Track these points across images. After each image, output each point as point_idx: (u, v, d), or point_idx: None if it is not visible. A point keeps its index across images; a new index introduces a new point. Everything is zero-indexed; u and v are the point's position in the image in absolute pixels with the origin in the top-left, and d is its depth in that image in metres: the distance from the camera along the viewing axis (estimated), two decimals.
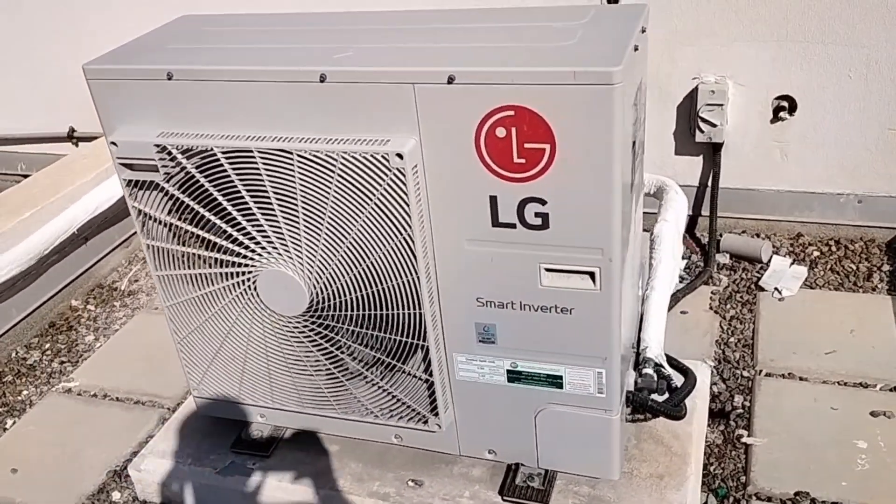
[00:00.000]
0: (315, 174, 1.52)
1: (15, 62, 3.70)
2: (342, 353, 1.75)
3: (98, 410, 2.44)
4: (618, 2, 2.56)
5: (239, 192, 1.60)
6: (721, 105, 2.69)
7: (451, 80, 1.39)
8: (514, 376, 1.70)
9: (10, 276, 2.65)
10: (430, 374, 1.71)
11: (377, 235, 1.55)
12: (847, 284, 2.63)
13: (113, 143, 1.63)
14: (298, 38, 1.67)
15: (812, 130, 2.71)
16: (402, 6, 1.88)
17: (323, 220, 1.57)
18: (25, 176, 3.39)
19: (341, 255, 1.60)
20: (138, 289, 3.05)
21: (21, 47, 3.64)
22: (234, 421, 2.02)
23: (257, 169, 1.56)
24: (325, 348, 1.75)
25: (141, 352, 2.66)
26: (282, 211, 1.59)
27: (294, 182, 1.54)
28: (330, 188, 1.52)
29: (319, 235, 1.59)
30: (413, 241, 1.53)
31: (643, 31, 1.56)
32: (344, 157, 1.48)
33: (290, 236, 1.62)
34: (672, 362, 2.00)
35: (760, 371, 2.30)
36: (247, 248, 1.67)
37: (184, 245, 1.72)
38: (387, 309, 1.64)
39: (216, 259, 1.71)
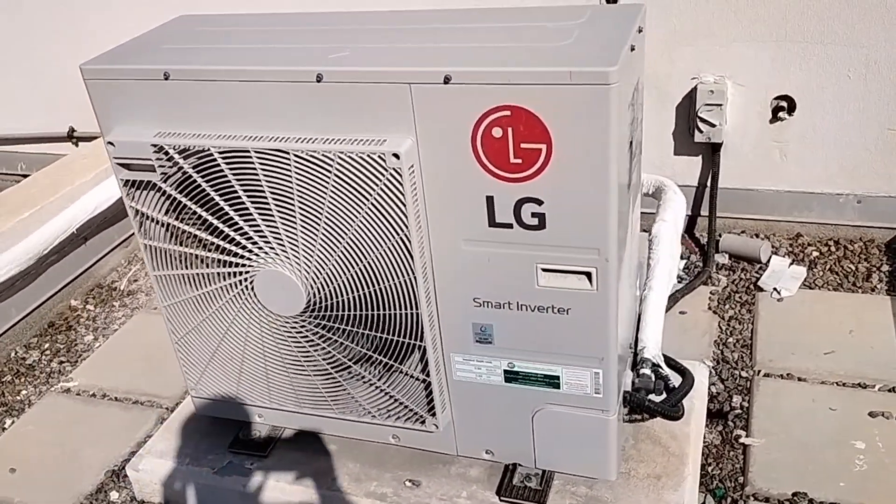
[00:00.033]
0: (312, 174, 1.52)
1: (15, 62, 3.70)
2: (339, 353, 1.75)
3: (97, 410, 2.44)
4: (616, 1, 2.56)
5: (236, 192, 1.60)
6: (720, 105, 2.68)
7: (447, 80, 1.39)
8: (511, 376, 1.70)
9: (9, 276, 2.65)
10: (428, 375, 1.71)
11: (374, 235, 1.55)
12: (846, 285, 2.63)
13: (110, 143, 1.63)
14: (295, 38, 1.67)
15: (811, 130, 2.71)
16: (400, 6, 1.87)
17: (320, 220, 1.57)
18: (25, 176, 3.39)
19: (338, 256, 1.60)
20: (137, 289, 3.05)
21: (21, 47, 3.65)
22: (232, 421, 2.02)
23: (254, 169, 1.56)
24: (323, 348, 1.75)
25: (140, 352, 2.66)
26: (279, 211, 1.59)
27: (291, 182, 1.54)
28: (327, 188, 1.52)
29: (316, 235, 1.59)
30: (410, 242, 1.53)
31: (640, 31, 1.56)
32: (340, 158, 1.48)
33: (287, 236, 1.62)
34: (670, 363, 2.00)
35: (759, 371, 2.30)
36: (244, 248, 1.67)
37: (181, 245, 1.72)
38: (384, 309, 1.64)
39: (213, 259, 1.71)
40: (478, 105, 1.39)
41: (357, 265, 1.59)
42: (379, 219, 1.53)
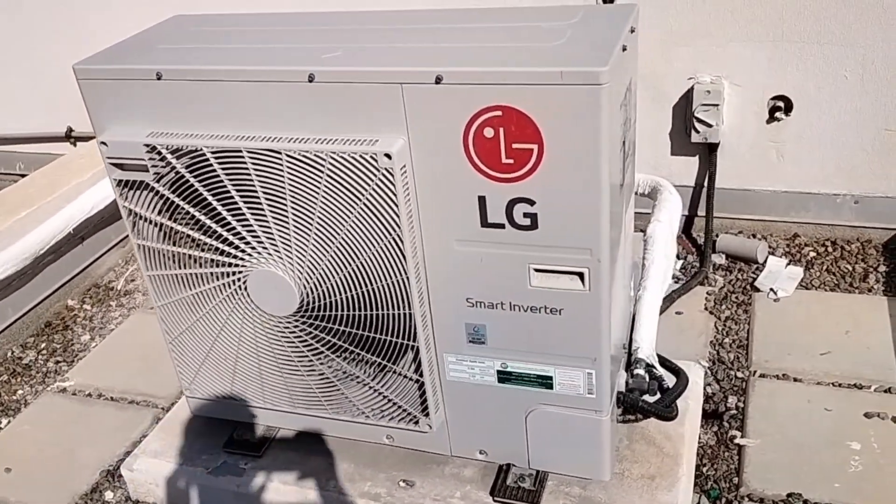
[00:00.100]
0: (304, 174, 1.52)
1: (15, 62, 3.70)
2: (333, 353, 1.75)
3: (92, 410, 2.44)
4: (613, 1, 2.56)
5: (229, 192, 1.60)
6: (717, 105, 2.68)
7: (438, 81, 1.39)
8: (505, 377, 1.70)
9: (5, 276, 2.65)
10: (421, 375, 1.71)
11: (366, 236, 1.55)
12: (843, 285, 2.63)
13: (103, 143, 1.63)
14: (288, 37, 1.67)
15: (808, 131, 2.70)
16: (396, 6, 1.87)
17: (312, 220, 1.57)
18: (23, 175, 3.39)
19: (331, 256, 1.60)
20: (134, 288, 3.05)
21: (21, 47, 3.65)
22: (227, 421, 2.02)
23: (247, 169, 1.56)
24: (316, 348, 1.75)
25: (136, 351, 2.66)
26: (271, 211, 1.59)
27: (283, 182, 1.54)
28: (319, 188, 1.52)
29: (309, 236, 1.59)
30: (402, 242, 1.53)
31: (632, 31, 1.56)
32: (332, 158, 1.48)
33: (280, 236, 1.62)
34: (665, 363, 2.00)
35: (755, 372, 2.30)
36: (237, 248, 1.67)
37: (174, 245, 1.72)
38: (377, 309, 1.64)
39: (206, 259, 1.71)
40: (469, 105, 1.39)
41: (350, 265, 1.59)
42: (371, 219, 1.52)
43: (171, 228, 1.70)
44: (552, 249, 1.50)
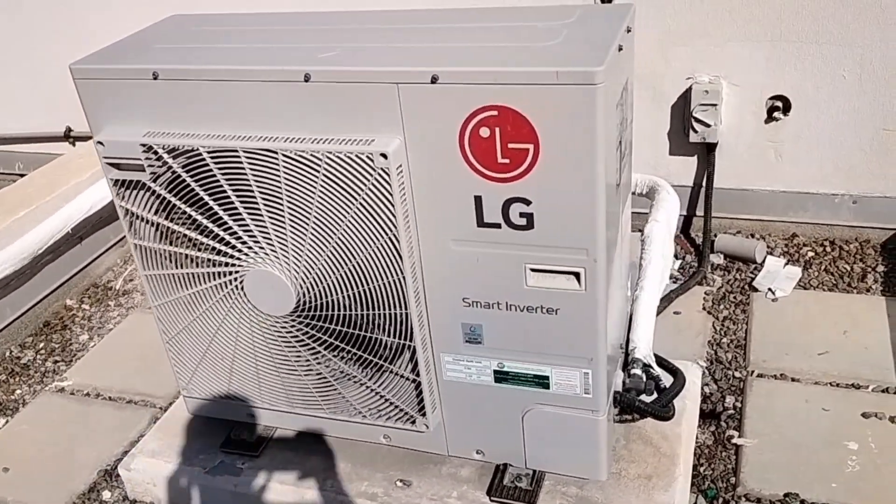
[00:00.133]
0: (300, 174, 1.52)
1: (15, 62, 3.71)
2: (330, 353, 1.75)
3: (91, 410, 2.44)
4: (611, 1, 2.56)
5: (225, 191, 1.60)
6: (715, 105, 2.68)
7: (434, 80, 1.39)
8: (501, 376, 1.70)
9: (4, 276, 2.65)
10: (418, 375, 1.71)
11: (363, 235, 1.55)
12: (841, 285, 2.62)
13: (99, 143, 1.63)
14: (285, 37, 1.67)
15: (806, 130, 2.70)
16: (392, 5, 1.87)
17: (309, 219, 1.57)
18: (23, 175, 3.39)
19: (327, 255, 1.60)
20: (133, 288, 3.05)
21: (21, 47, 3.65)
22: (225, 421, 2.02)
23: (243, 169, 1.56)
24: (313, 348, 1.75)
25: (135, 351, 2.66)
26: (268, 211, 1.59)
27: (279, 182, 1.54)
28: (315, 188, 1.52)
29: (305, 235, 1.59)
30: (398, 241, 1.53)
31: (628, 30, 1.56)
32: (329, 157, 1.48)
33: (277, 236, 1.62)
34: (662, 363, 2.00)
35: (752, 372, 2.30)
36: (233, 247, 1.67)
37: (171, 244, 1.72)
38: (373, 309, 1.64)
39: (203, 259, 1.71)
40: (465, 105, 1.39)
41: (346, 265, 1.59)
42: (367, 219, 1.53)
43: (168, 228, 1.70)
44: (548, 249, 1.50)
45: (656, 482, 1.79)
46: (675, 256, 2.83)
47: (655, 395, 1.88)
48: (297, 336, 1.75)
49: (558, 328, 1.59)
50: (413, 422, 1.79)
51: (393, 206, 1.49)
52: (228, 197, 1.61)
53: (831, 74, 2.59)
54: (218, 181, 1.59)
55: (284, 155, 1.51)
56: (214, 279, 1.74)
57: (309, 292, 1.66)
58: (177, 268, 1.75)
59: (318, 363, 1.77)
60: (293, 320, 1.72)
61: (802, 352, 2.34)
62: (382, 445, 1.91)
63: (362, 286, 1.61)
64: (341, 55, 1.51)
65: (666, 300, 2.53)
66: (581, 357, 1.61)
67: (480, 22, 1.64)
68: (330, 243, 1.58)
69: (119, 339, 2.77)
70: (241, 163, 1.55)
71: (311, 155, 1.49)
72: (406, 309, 1.62)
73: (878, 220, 2.76)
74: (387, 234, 1.53)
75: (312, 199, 1.54)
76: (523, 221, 1.48)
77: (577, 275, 1.52)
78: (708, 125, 2.71)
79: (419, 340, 1.66)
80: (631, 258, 2.05)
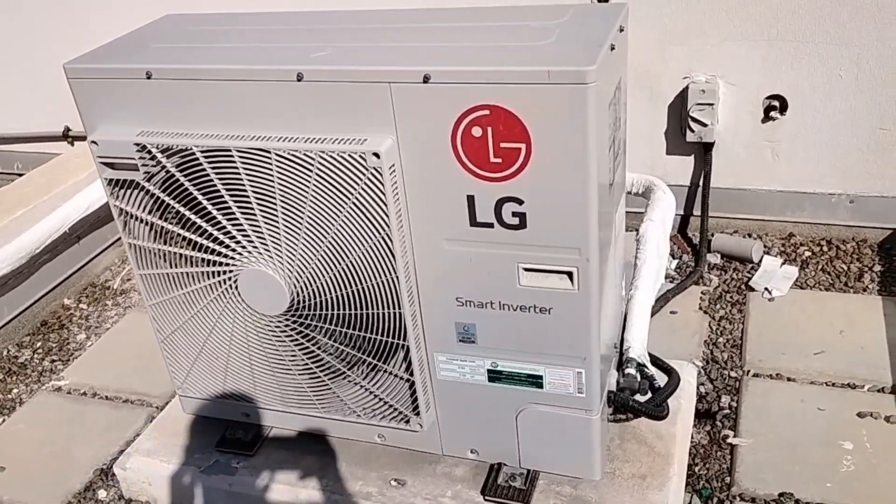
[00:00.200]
0: (293, 173, 1.52)
1: (15, 62, 3.71)
2: (324, 352, 1.75)
3: (87, 409, 2.45)
4: (608, 0, 2.56)
5: (219, 191, 1.60)
6: (712, 105, 2.68)
7: (426, 80, 1.39)
8: (495, 376, 1.70)
9: (1, 275, 2.66)
10: (411, 374, 1.71)
11: (356, 235, 1.55)
12: (838, 285, 2.62)
13: (93, 143, 1.64)
14: (278, 37, 1.67)
15: (803, 130, 2.70)
16: (390, 5, 1.87)
17: (302, 219, 1.57)
18: (21, 175, 3.40)
19: (321, 255, 1.60)
20: (130, 287, 3.05)
21: (21, 47, 3.65)
22: (220, 420, 2.02)
23: (236, 168, 1.56)
24: (307, 347, 1.75)
25: (132, 350, 2.67)
26: (261, 210, 1.59)
27: (273, 181, 1.54)
28: (308, 187, 1.52)
29: (299, 235, 1.59)
30: (391, 241, 1.53)
31: (621, 30, 1.56)
32: (321, 157, 1.48)
33: (270, 235, 1.62)
34: (656, 362, 2.00)
35: (748, 371, 2.30)
36: (227, 247, 1.67)
37: (165, 244, 1.73)
38: (367, 308, 1.64)
39: (197, 258, 1.72)
40: (457, 104, 1.39)
41: (339, 264, 1.60)
42: (360, 218, 1.53)
43: (162, 227, 1.70)
44: (541, 249, 1.50)
45: (650, 482, 1.79)
46: (672, 256, 2.83)
47: (650, 395, 1.88)
48: (291, 335, 1.75)
49: (551, 328, 1.59)
50: (407, 421, 1.79)
51: (386, 205, 1.49)
52: (222, 196, 1.61)
53: (828, 74, 2.59)
54: (212, 181, 1.59)
55: (277, 154, 1.51)
56: (208, 279, 1.74)
57: (302, 292, 1.66)
58: (171, 267, 1.75)
59: (313, 362, 1.77)
60: (287, 320, 1.72)
61: (798, 351, 2.34)
62: (377, 445, 1.91)
63: (355, 286, 1.61)
64: (334, 54, 1.51)
65: (662, 300, 2.53)
66: (574, 356, 1.61)
67: (473, 21, 1.64)
68: (323, 243, 1.58)
69: (116, 339, 2.77)
70: (234, 162, 1.55)
71: (304, 154, 1.49)
72: (399, 308, 1.62)
73: (874, 220, 2.76)
74: (379, 234, 1.53)
75: (305, 198, 1.54)
76: (516, 221, 1.48)
77: (569, 274, 1.52)
78: (705, 125, 2.71)
79: (413, 340, 1.66)
80: (626, 258, 2.05)
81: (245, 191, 1.58)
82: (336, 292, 1.63)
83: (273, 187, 1.55)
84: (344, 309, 1.65)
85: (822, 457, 1.98)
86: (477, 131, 1.41)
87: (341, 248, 1.57)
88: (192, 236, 1.68)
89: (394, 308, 1.62)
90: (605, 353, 1.70)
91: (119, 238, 3.22)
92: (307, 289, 1.65)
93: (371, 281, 1.60)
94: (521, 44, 1.46)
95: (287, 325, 1.73)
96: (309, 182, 1.52)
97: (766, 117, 2.70)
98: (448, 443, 1.85)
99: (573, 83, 1.31)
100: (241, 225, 1.63)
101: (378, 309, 1.63)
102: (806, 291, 2.61)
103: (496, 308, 1.60)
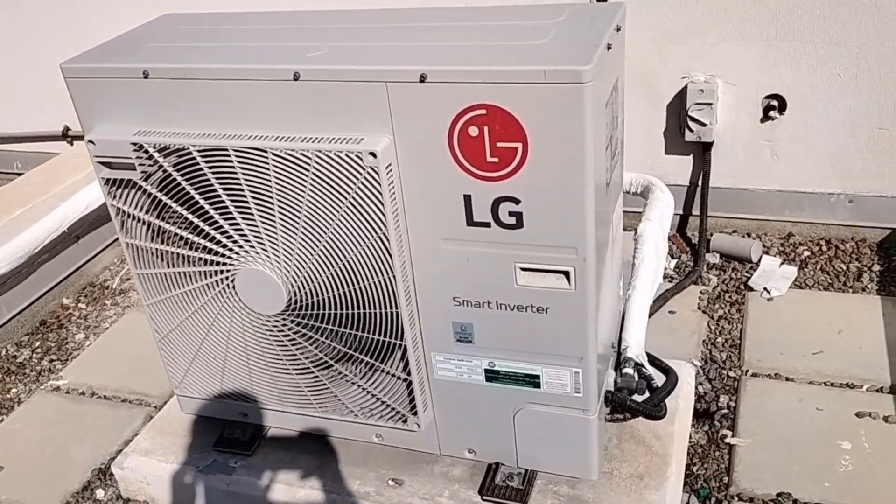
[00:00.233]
0: (290, 173, 1.52)
1: (15, 62, 3.71)
2: (321, 352, 1.75)
3: (85, 408, 2.45)
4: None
5: (216, 190, 1.60)
6: (710, 104, 2.68)
7: (423, 79, 1.39)
8: (492, 376, 1.70)
9: (0, 274, 2.65)
10: (409, 374, 1.71)
11: (352, 234, 1.55)
12: (837, 285, 2.62)
13: (90, 142, 1.64)
14: (275, 36, 1.67)
15: (802, 130, 2.70)
16: (387, 5, 1.87)
17: (299, 218, 1.57)
18: (21, 174, 3.40)
19: (318, 254, 1.60)
20: (129, 287, 3.05)
21: (21, 47, 3.65)
22: (218, 420, 2.02)
23: (233, 168, 1.56)
24: (304, 347, 1.75)
25: (130, 350, 2.67)
26: (258, 209, 1.59)
27: (270, 181, 1.54)
28: (305, 187, 1.52)
29: (296, 234, 1.59)
30: (388, 240, 1.53)
31: (618, 29, 1.55)
32: (318, 156, 1.48)
33: (267, 235, 1.62)
34: (654, 362, 1.99)
35: (747, 371, 2.29)
36: (224, 246, 1.67)
37: (163, 243, 1.73)
38: (364, 308, 1.64)
39: (194, 257, 1.71)
40: (454, 104, 1.39)
41: (336, 264, 1.59)
42: (357, 217, 1.53)
43: (160, 227, 1.70)
44: (538, 248, 1.50)
45: (648, 481, 1.79)
46: (671, 255, 2.83)
47: (648, 395, 1.88)
48: (288, 335, 1.75)
49: (549, 327, 1.58)
50: (405, 421, 1.79)
51: (382, 204, 1.49)
52: (219, 196, 1.61)
53: (827, 73, 2.59)
54: (209, 180, 1.59)
55: (274, 154, 1.51)
56: (206, 278, 1.74)
57: (300, 291, 1.66)
58: (168, 267, 1.75)
59: (310, 362, 1.77)
60: (284, 319, 1.72)
61: (797, 351, 2.34)
62: (375, 444, 1.91)
63: (352, 285, 1.61)
64: (331, 54, 1.51)
65: (661, 299, 2.53)
66: (571, 356, 1.61)
67: (470, 20, 1.64)
68: (320, 242, 1.58)
69: (115, 339, 2.77)
70: (231, 162, 1.55)
71: (301, 154, 1.49)
72: (396, 308, 1.62)
73: (874, 220, 2.75)
74: (376, 233, 1.53)
75: (302, 197, 1.54)
76: (513, 220, 1.48)
77: (566, 274, 1.51)
78: (704, 124, 2.71)
79: (410, 339, 1.66)
80: (624, 257, 2.05)
81: (242, 190, 1.58)
82: (333, 292, 1.63)
83: (270, 187, 1.55)
84: (341, 308, 1.65)
85: (820, 457, 1.98)
86: (473, 131, 1.41)
87: (338, 247, 1.57)
88: (190, 236, 1.68)
89: (391, 308, 1.62)
90: (602, 353, 1.70)
91: (117, 238, 3.22)
92: (304, 288, 1.65)
93: (368, 280, 1.60)
94: (518, 43, 1.46)
95: (284, 325, 1.73)
96: (306, 181, 1.51)
97: (765, 117, 2.70)
98: (446, 442, 1.85)
99: (569, 83, 1.31)
100: (238, 224, 1.63)
101: (375, 308, 1.63)
102: (805, 291, 2.61)
103: (493, 308, 1.60)
